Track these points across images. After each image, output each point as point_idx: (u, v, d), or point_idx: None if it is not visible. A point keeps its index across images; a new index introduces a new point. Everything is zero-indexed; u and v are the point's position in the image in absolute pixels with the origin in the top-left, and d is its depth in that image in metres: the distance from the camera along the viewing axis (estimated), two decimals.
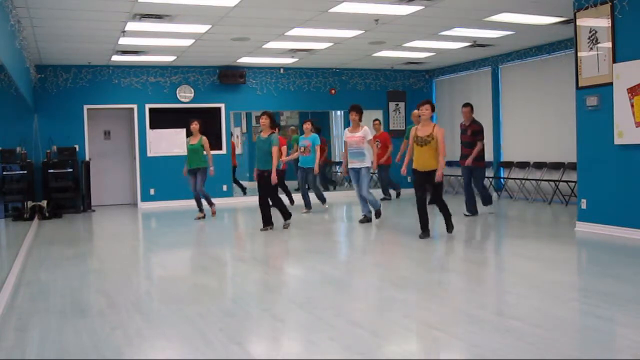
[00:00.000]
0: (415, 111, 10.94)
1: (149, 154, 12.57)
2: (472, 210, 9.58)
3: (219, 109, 13.18)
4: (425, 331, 3.93)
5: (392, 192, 12.69)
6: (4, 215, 10.33)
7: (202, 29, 9.04)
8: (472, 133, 9.27)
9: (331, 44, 10.68)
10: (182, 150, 12.61)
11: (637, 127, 6.97)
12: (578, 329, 3.99)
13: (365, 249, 7.46)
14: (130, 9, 7.73)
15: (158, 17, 8.16)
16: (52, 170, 11.49)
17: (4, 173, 10.45)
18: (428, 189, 7.61)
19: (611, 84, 7.22)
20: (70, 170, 11.65)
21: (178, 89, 12.84)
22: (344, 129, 17.03)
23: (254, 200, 11.27)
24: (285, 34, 9.65)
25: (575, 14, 7.71)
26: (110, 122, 13.11)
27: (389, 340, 3.80)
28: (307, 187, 10.73)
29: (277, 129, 10.43)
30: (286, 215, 8.61)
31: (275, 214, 8.71)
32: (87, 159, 12.11)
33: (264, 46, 10.70)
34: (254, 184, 10.15)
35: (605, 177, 7.49)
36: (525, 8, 8.33)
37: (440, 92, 14.69)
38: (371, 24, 8.97)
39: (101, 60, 11.65)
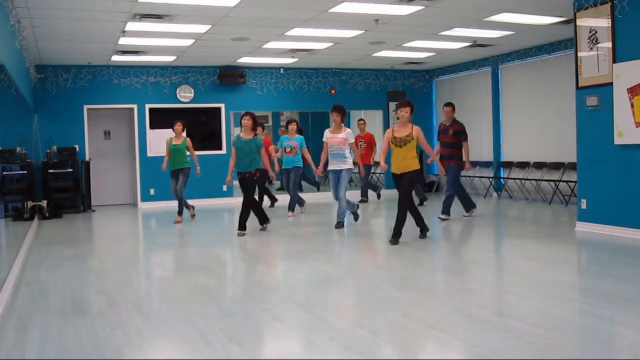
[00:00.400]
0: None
1: (149, 154, 12.56)
2: (469, 205, 9.42)
3: (219, 109, 13.18)
4: (425, 331, 3.93)
5: (371, 194, 12.54)
6: (4, 215, 10.34)
7: (202, 29, 9.04)
8: (454, 133, 9.05)
9: (331, 44, 10.68)
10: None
11: (637, 127, 6.97)
12: (578, 329, 3.99)
13: (364, 249, 7.45)
14: (130, 9, 7.73)
15: (158, 17, 8.16)
16: (52, 170, 11.49)
17: (4, 173, 10.45)
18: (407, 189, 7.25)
19: (611, 84, 7.22)
20: (70, 170, 11.65)
21: (178, 89, 12.84)
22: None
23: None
24: (285, 34, 9.65)
25: (575, 14, 7.71)
26: (110, 122, 13.10)
27: (389, 340, 3.80)
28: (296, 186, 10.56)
29: (261, 130, 10.43)
30: (264, 219, 8.46)
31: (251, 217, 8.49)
32: (87, 159, 12.11)
33: (264, 46, 10.70)
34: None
35: (605, 177, 7.49)
36: (525, 8, 8.33)
37: (440, 92, 14.68)
38: (371, 24, 8.97)
39: (101, 60, 11.65)
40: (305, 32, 9.52)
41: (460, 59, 13.04)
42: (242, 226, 8.11)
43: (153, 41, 9.94)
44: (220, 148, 13.02)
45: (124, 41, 9.73)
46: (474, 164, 13.36)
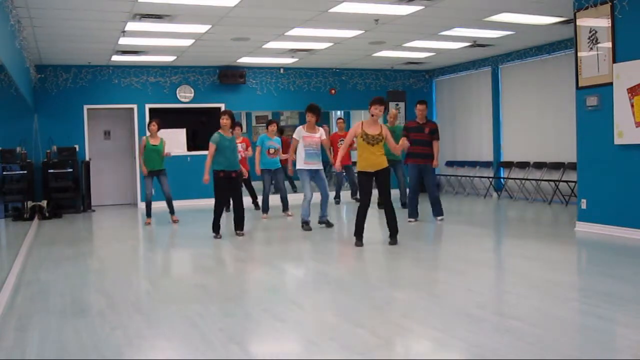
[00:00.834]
0: (392, 111, 10.90)
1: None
2: (414, 214, 9.11)
3: (219, 109, 13.16)
4: (425, 331, 3.93)
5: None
6: (4, 215, 10.35)
7: (202, 29, 9.04)
8: (430, 131, 8.92)
9: (331, 44, 10.68)
10: (182, 150, 12.66)
11: (637, 127, 6.97)
12: (578, 329, 3.99)
13: (363, 249, 7.45)
14: (130, 9, 7.73)
15: (158, 17, 8.16)
16: (52, 170, 11.49)
17: (4, 173, 10.47)
18: (378, 186, 7.12)
19: (611, 84, 7.22)
20: (70, 170, 11.65)
21: (178, 89, 12.84)
22: (347, 128, 16.91)
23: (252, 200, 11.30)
24: (285, 34, 9.65)
25: (575, 14, 7.71)
26: (110, 122, 13.10)
27: (389, 340, 3.80)
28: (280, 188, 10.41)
29: (239, 129, 10.37)
30: (242, 225, 8.22)
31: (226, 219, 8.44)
32: (87, 159, 12.11)
33: (264, 46, 10.70)
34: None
35: (605, 177, 7.49)
36: (526, 8, 8.33)
37: (440, 92, 14.69)
38: (371, 24, 8.97)
39: (101, 60, 11.65)
40: (305, 32, 9.52)
41: (461, 59, 13.04)
42: (239, 226, 8.12)
43: (153, 41, 9.94)
44: None
45: (124, 41, 9.73)
46: (474, 164, 13.41)
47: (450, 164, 14.20)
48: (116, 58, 11.43)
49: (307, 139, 8.36)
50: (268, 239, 8.03)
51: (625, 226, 7.20)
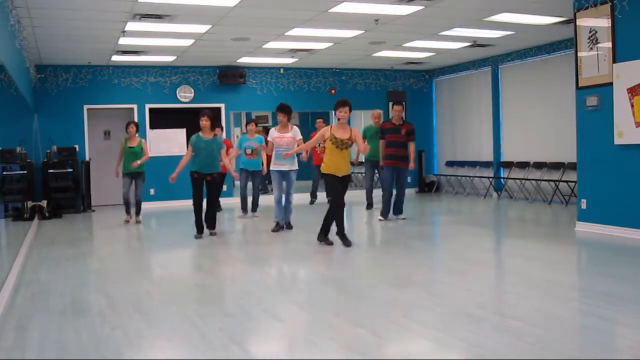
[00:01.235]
0: (375, 111, 10.78)
1: (149, 154, 12.54)
2: (387, 211, 9.09)
3: (219, 109, 13.17)
4: (425, 331, 3.93)
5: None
6: (4, 215, 10.36)
7: (202, 29, 9.04)
8: (407, 132, 8.91)
9: (331, 44, 10.68)
10: (181, 151, 12.64)
11: (637, 127, 6.97)
12: (578, 329, 3.99)
13: (363, 249, 7.45)
14: (130, 9, 7.73)
15: (158, 17, 8.16)
16: (52, 170, 11.49)
17: (4, 173, 10.48)
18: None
19: (611, 84, 7.22)
20: (70, 170, 11.65)
21: (178, 89, 12.84)
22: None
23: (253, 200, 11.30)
24: (285, 34, 9.65)
25: (575, 14, 7.71)
26: (110, 122, 13.08)
27: (389, 340, 3.80)
28: (260, 189, 10.40)
29: (220, 130, 10.30)
30: (214, 224, 8.22)
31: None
32: (87, 159, 12.11)
33: (264, 46, 10.71)
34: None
35: (605, 177, 7.49)
36: (525, 8, 8.33)
37: (440, 92, 14.69)
38: (371, 24, 8.97)
39: (101, 60, 11.65)
40: (305, 32, 9.52)
41: (461, 59, 13.04)
42: (210, 225, 8.12)
43: (153, 41, 9.94)
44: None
45: (124, 41, 9.73)
46: (474, 164, 13.42)
47: (450, 164, 14.21)
48: (116, 58, 11.43)
49: (278, 140, 8.19)
50: (268, 239, 8.03)
51: (625, 226, 7.20)
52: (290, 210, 8.45)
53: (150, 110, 12.67)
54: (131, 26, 8.66)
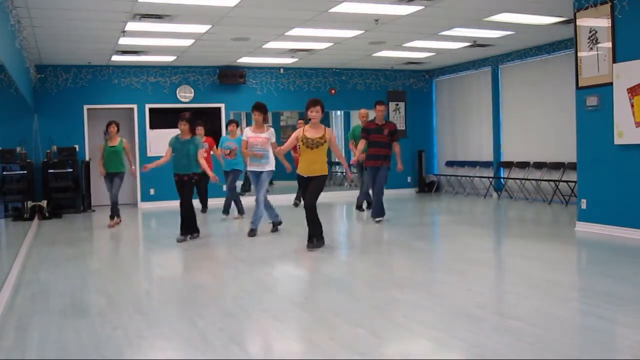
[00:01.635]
0: (363, 110, 10.52)
1: (149, 154, 12.55)
2: (381, 212, 8.97)
3: (219, 109, 13.18)
4: (425, 331, 3.93)
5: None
6: (4, 215, 10.33)
7: (202, 29, 9.04)
8: (389, 133, 8.84)
9: (331, 44, 10.68)
10: None
11: (637, 127, 6.97)
12: (578, 329, 3.99)
13: (363, 249, 7.45)
14: (130, 9, 7.73)
15: (158, 17, 8.16)
16: (52, 170, 11.49)
17: (4, 173, 10.45)
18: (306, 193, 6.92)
19: (611, 84, 7.22)
20: (70, 170, 11.66)
21: (178, 89, 12.85)
22: (347, 128, 16.76)
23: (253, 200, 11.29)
24: (285, 34, 9.65)
25: (575, 14, 7.71)
26: None
27: (389, 340, 3.80)
28: (241, 190, 10.29)
29: (202, 130, 10.15)
30: (194, 229, 8.06)
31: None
32: (87, 159, 12.11)
33: (264, 46, 10.71)
34: None
35: (605, 177, 7.49)
36: (525, 8, 8.33)
37: (440, 92, 14.69)
38: (371, 24, 8.97)
39: (101, 60, 11.65)
40: (305, 32, 9.52)
41: (461, 59, 13.04)
42: (187, 230, 7.97)
43: (153, 41, 9.94)
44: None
45: (124, 41, 9.74)
46: (474, 164, 13.42)
47: (450, 164, 14.21)
48: (116, 58, 11.43)
49: (252, 140, 7.97)
50: (266, 239, 8.03)
51: (625, 226, 7.20)
52: (261, 212, 8.09)
53: (150, 110, 12.67)
54: (131, 26, 8.66)
